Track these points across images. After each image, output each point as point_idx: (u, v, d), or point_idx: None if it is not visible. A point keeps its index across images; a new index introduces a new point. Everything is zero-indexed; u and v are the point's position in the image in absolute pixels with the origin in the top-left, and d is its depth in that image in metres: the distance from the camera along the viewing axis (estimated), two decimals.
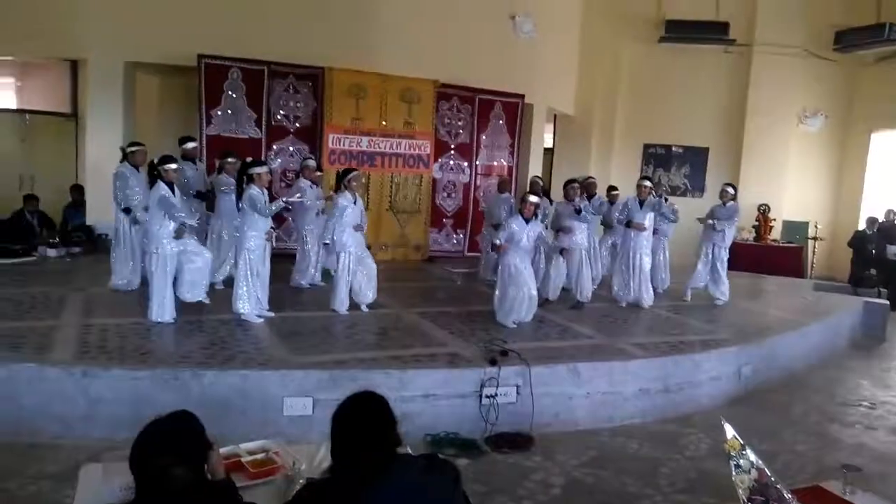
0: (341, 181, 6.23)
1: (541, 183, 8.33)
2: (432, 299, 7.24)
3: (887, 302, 9.32)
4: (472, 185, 10.42)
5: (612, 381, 5.18)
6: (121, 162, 6.56)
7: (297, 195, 6.55)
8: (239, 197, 5.82)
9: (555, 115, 12.86)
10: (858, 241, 11.32)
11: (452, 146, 10.23)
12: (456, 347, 5.32)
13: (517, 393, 4.81)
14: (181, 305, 5.62)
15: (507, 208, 8.01)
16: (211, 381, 4.30)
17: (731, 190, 8.00)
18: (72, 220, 9.08)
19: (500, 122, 10.57)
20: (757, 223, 12.14)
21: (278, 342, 5.16)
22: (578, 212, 7.01)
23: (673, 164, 13.21)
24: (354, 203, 6.20)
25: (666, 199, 7.95)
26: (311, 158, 7.78)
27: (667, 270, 8.51)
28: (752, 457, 2.59)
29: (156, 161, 5.62)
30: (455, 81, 9.88)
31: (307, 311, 6.29)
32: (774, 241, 12.24)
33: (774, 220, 12.22)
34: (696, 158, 13.09)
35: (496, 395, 4.69)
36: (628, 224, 7.32)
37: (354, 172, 6.33)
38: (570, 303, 7.16)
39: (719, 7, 11.98)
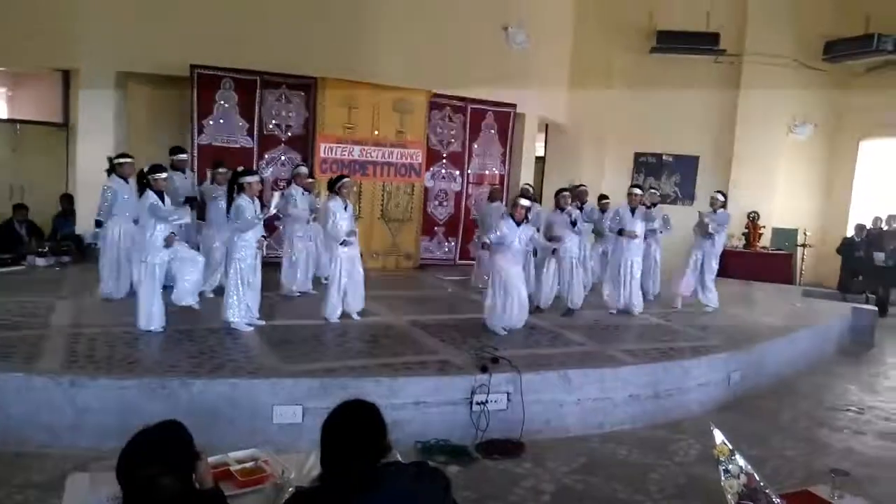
0: (333, 187, 6.26)
1: (531, 191, 8.39)
2: (423, 307, 7.24)
3: (875, 308, 9.40)
4: (464, 194, 10.45)
5: (602, 387, 5.19)
6: (108, 173, 6.51)
7: (274, 200, 6.08)
8: (229, 206, 5.82)
9: (546, 124, 12.92)
10: (847, 248, 11.41)
11: (444, 155, 10.26)
12: (447, 355, 5.33)
13: (508, 400, 4.82)
14: (170, 314, 5.59)
15: (499, 217, 8.01)
16: (200, 389, 4.28)
17: (721, 197, 8.07)
18: (61, 229, 9.03)
19: (492, 131, 10.62)
20: (746, 230, 12.25)
21: (268, 350, 5.14)
22: (574, 224, 7.04)
23: (664, 173, 13.29)
24: (345, 209, 6.21)
25: (655, 205, 8.00)
26: (303, 165, 7.82)
27: (657, 276, 8.53)
28: (742, 462, 2.61)
29: (145, 170, 5.62)
30: (447, 91, 9.92)
31: (298, 319, 6.27)
32: (764, 248, 12.34)
33: (764, 227, 12.33)
34: (686, 167, 13.17)
35: (487, 402, 4.70)
36: (620, 232, 7.36)
37: (346, 179, 6.36)
38: (561, 310, 7.18)
39: (710, 18, 12.08)
